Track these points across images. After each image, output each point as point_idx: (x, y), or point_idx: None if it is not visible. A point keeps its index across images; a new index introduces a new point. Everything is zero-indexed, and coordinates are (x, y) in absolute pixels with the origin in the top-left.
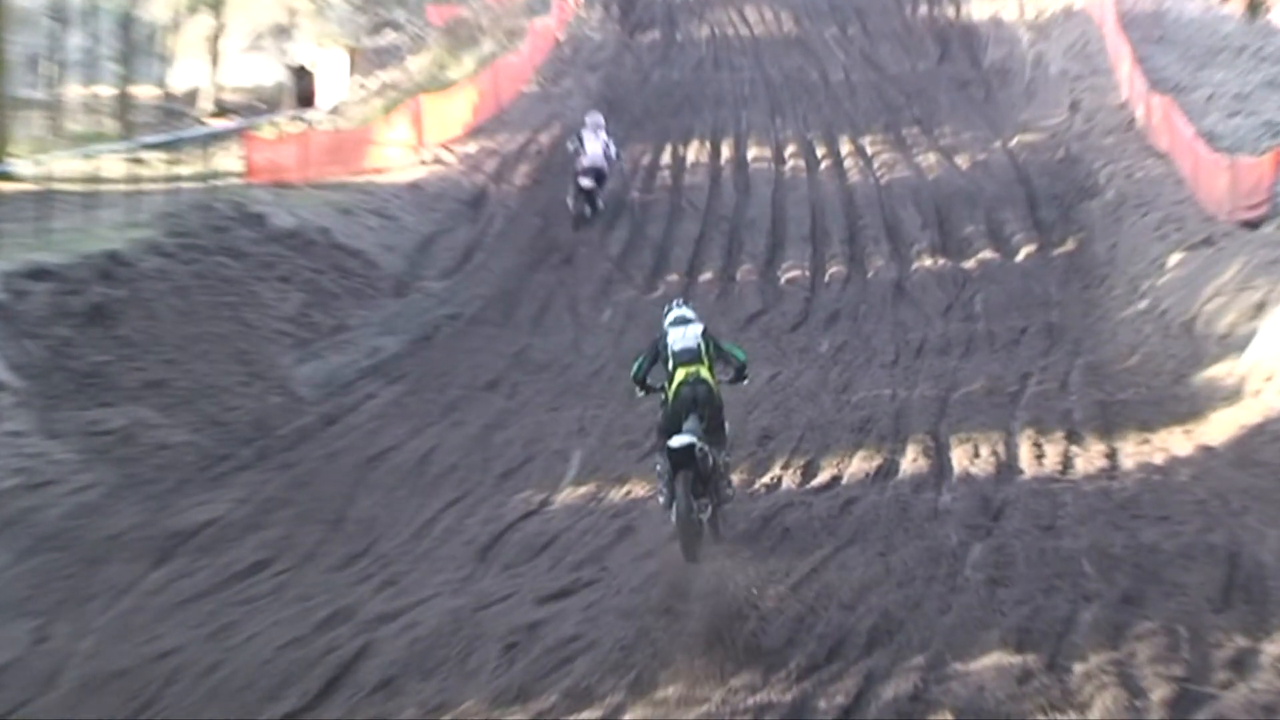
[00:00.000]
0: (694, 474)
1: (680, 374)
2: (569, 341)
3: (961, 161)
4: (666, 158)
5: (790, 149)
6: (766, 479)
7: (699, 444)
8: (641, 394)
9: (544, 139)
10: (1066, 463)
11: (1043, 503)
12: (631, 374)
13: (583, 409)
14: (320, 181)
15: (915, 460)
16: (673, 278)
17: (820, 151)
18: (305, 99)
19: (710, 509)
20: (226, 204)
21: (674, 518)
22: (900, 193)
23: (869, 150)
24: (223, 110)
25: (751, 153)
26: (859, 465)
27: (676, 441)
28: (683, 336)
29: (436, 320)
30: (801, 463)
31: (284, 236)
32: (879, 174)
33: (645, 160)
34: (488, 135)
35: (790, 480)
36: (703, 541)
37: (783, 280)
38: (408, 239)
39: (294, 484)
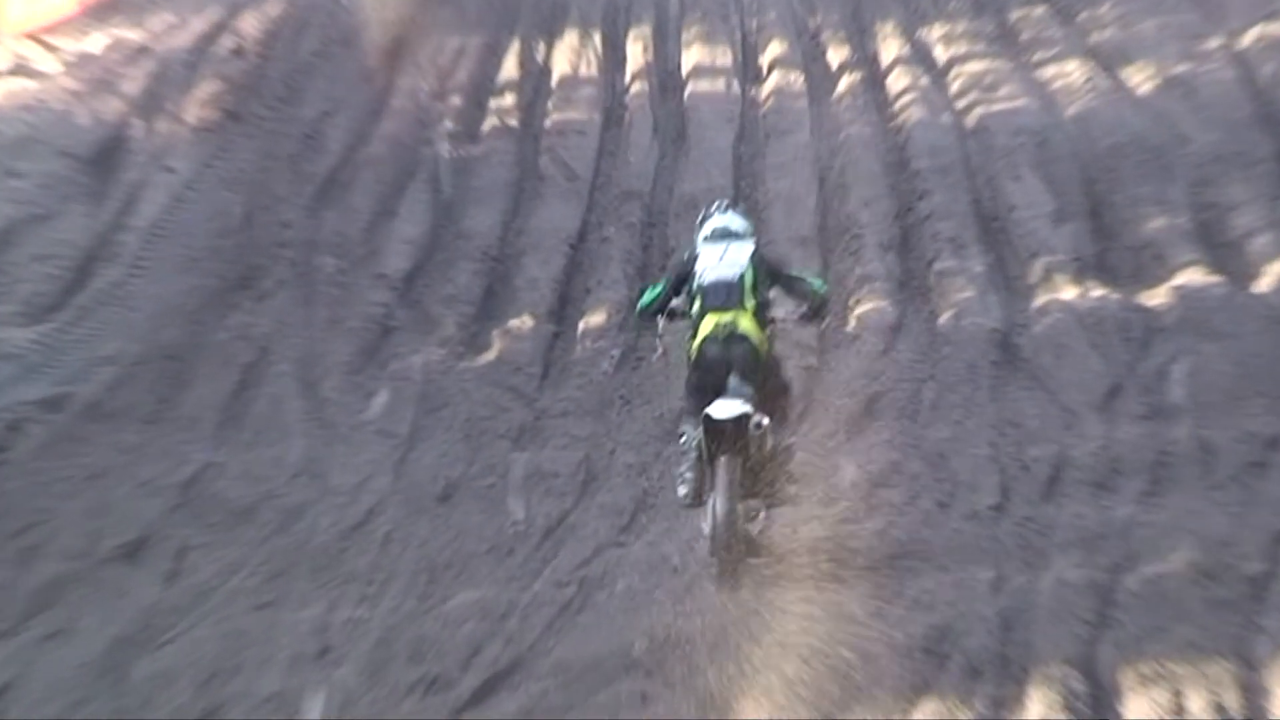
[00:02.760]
0: (744, 459)
1: (708, 324)
2: (298, 458)
3: (1136, 80)
4: (510, 69)
5: (773, 51)
6: None
7: (756, 416)
8: (662, 322)
9: (250, 25)
10: None
11: None
12: (637, 308)
13: (328, 605)
14: None
15: None
16: (520, 322)
17: (836, 58)
18: None
19: (763, 512)
20: None
21: (705, 525)
22: (1007, 144)
23: (939, 57)
24: None
25: (690, 59)
26: None
27: (721, 411)
28: (719, 261)
29: (15, 411)
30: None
31: None
32: (960, 106)
33: (463, 75)
34: (129, 18)
35: None
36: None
37: None
38: None
39: None
